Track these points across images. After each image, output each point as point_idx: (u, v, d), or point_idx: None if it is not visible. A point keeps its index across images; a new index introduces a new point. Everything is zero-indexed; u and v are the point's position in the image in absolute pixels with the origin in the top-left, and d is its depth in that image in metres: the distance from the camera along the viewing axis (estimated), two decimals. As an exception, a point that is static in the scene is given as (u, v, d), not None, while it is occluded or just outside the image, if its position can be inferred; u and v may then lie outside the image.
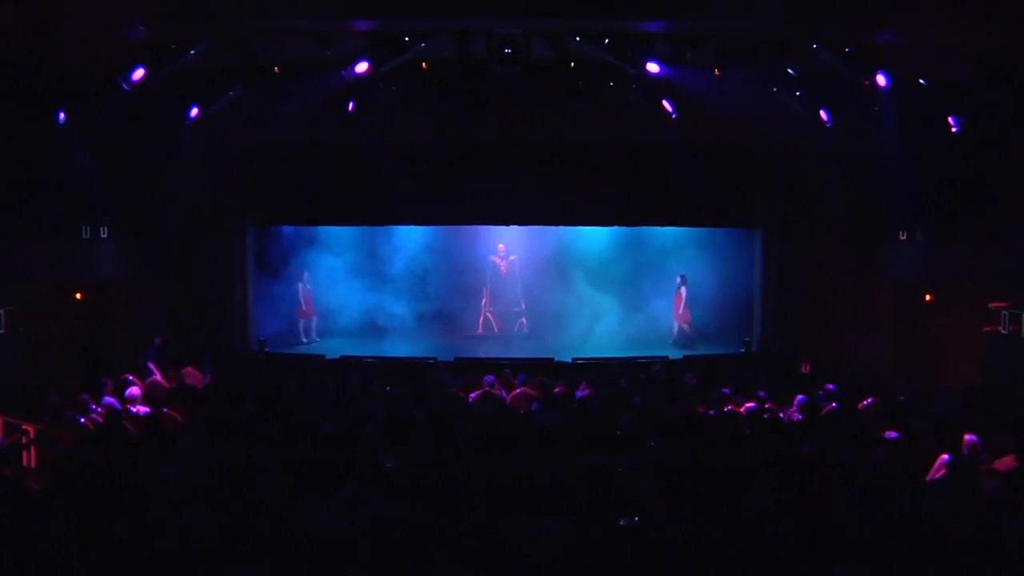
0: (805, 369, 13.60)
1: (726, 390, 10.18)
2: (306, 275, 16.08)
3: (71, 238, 12.56)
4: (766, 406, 9.58)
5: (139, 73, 10.32)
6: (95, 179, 12.45)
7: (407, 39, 10.53)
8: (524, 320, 17.09)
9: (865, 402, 9.76)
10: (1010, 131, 11.55)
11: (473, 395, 10.24)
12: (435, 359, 13.71)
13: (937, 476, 6.76)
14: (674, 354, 14.47)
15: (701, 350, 15.11)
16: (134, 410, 9.31)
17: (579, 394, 10.19)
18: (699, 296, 16.12)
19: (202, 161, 13.72)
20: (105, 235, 12.91)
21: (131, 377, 10.93)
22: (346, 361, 13.67)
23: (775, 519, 4.88)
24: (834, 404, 9.76)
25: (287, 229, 16.46)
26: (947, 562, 4.36)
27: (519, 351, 15.03)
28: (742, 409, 9.31)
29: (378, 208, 14.97)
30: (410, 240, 16.87)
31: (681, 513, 5.03)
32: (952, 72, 10.85)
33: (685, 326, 15.75)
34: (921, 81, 11.24)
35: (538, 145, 14.48)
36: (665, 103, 13.18)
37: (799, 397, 9.53)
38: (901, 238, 13.29)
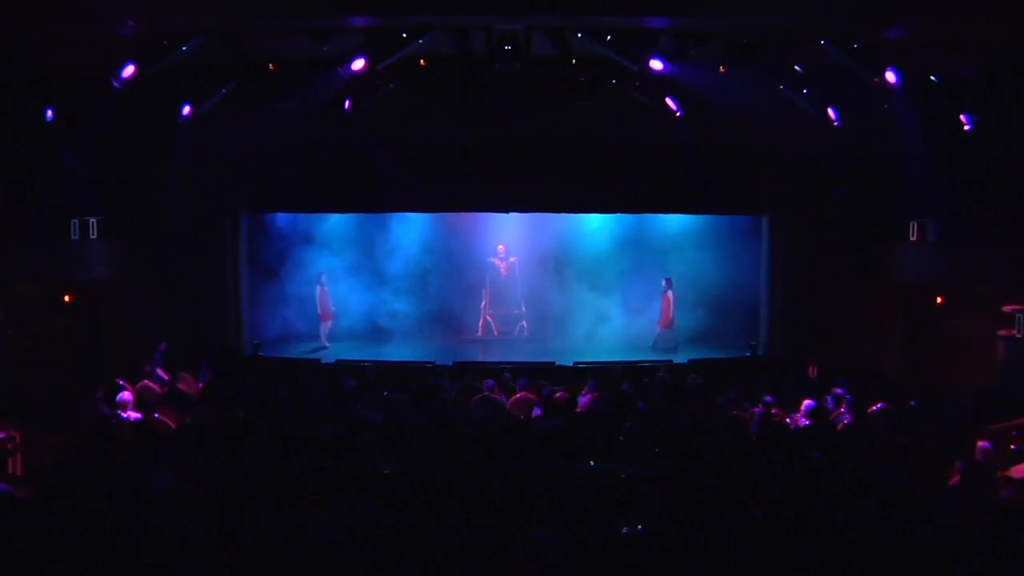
0: (812, 373, 13.60)
1: (731, 395, 10.17)
2: (324, 277, 15.94)
3: (59, 239, 12.55)
4: (772, 411, 9.57)
5: (129, 70, 10.31)
6: (84, 178, 12.45)
7: (404, 35, 10.54)
8: (524, 323, 17.09)
9: (874, 407, 9.76)
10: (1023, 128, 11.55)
11: (472, 400, 10.23)
12: (433, 363, 13.70)
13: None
14: (678, 358, 14.47)
15: (705, 354, 15.10)
16: (124, 416, 9.30)
17: (581, 400, 10.17)
18: (703, 298, 16.15)
19: (195, 158, 13.70)
20: (94, 235, 12.90)
21: (121, 382, 10.92)
22: (342, 365, 13.66)
23: (782, 527, 4.87)
24: (843, 409, 9.76)
25: (283, 226, 16.46)
26: (959, 573, 4.35)
27: (520, 355, 15.01)
28: (748, 414, 9.30)
29: (375, 196, 15.00)
30: (409, 240, 16.87)
31: (685, 521, 5.03)
32: (964, 68, 10.85)
33: (668, 330, 15.75)
34: (932, 78, 11.24)
35: (539, 144, 14.50)
36: (668, 100, 13.19)
37: (806, 402, 9.53)
38: (911, 238, 13.28)
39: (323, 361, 14.10)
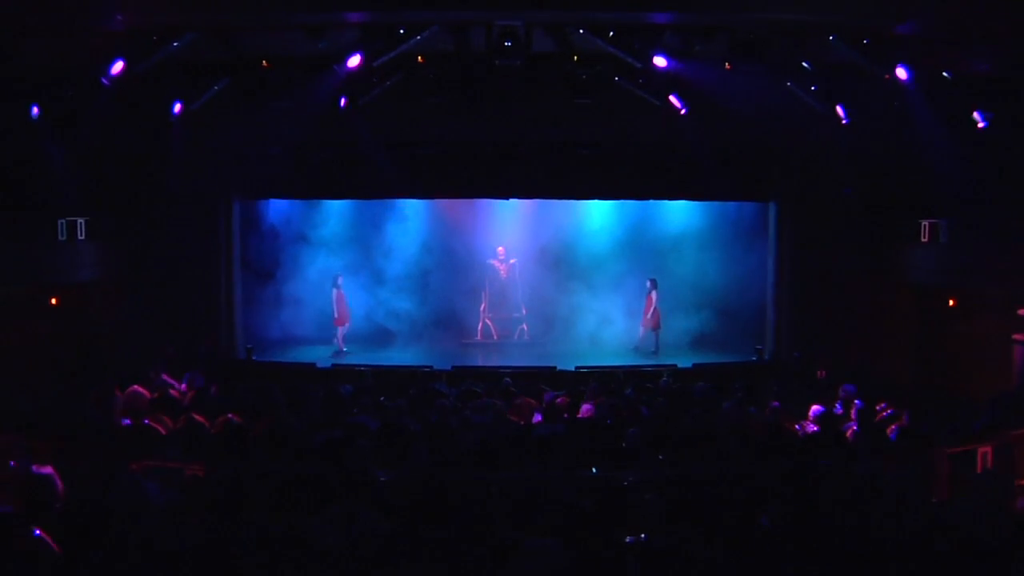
0: (821, 375, 13.59)
1: (737, 400, 10.18)
2: (340, 279, 15.89)
3: (46, 239, 12.54)
4: (779, 417, 9.58)
5: (118, 67, 10.31)
6: (72, 178, 12.45)
7: (402, 31, 10.56)
8: (525, 327, 17.10)
9: (885, 413, 9.76)
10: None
11: (471, 405, 10.23)
12: (431, 367, 13.72)
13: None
14: (683, 362, 14.49)
15: (711, 358, 15.11)
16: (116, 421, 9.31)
17: (583, 408, 10.16)
18: (708, 301, 16.18)
19: (186, 157, 13.70)
20: (82, 236, 12.90)
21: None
22: (338, 370, 13.66)
23: (789, 536, 4.88)
24: (853, 414, 9.76)
25: (277, 224, 16.46)
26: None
27: (520, 359, 15.02)
28: (754, 420, 9.31)
29: (370, 184, 15.06)
30: (408, 240, 16.89)
31: (690, 529, 5.04)
32: (978, 64, 10.85)
33: (653, 332, 15.79)
34: (945, 74, 11.24)
35: (540, 140, 14.55)
36: (672, 98, 13.22)
37: (814, 408, 9.53)
38: (923, 239, 13.28)
39: (318, 365, 14.11)
